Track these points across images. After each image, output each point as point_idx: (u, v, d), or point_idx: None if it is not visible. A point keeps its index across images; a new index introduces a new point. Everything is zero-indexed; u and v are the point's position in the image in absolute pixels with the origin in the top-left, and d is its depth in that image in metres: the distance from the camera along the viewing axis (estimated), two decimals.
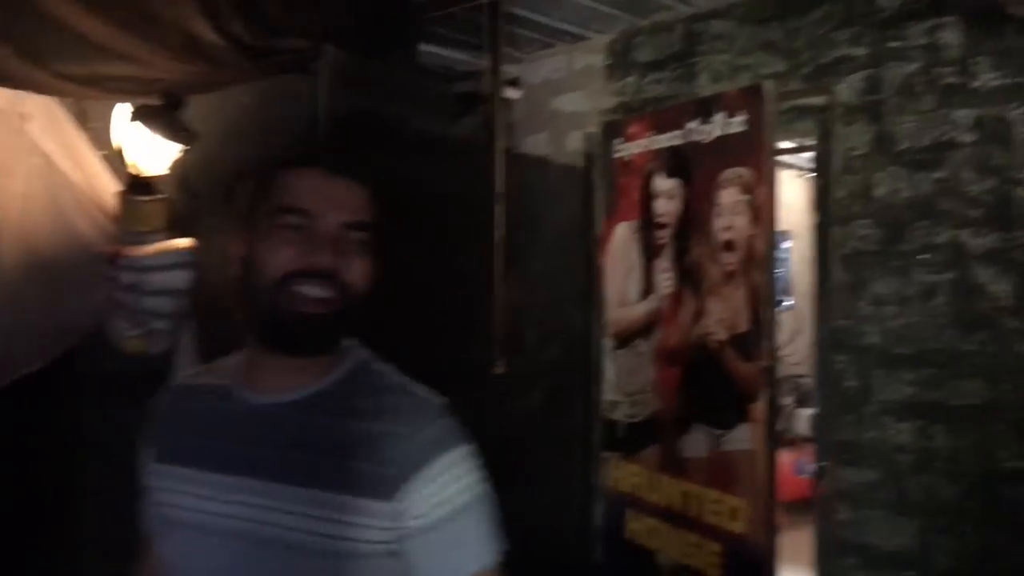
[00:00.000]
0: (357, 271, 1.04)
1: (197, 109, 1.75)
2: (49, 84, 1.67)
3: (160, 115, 1.62)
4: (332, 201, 1.04)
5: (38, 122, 1.74)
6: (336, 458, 1.02)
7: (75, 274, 1.73)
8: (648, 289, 2.42)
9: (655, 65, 2.80)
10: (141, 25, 1.67)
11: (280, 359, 1.05)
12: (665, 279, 2.37)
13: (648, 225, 2.42)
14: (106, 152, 1.79)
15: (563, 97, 3.07)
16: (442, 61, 3.08)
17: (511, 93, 2.92)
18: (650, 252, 2.42)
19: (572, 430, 2.69)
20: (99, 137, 1.80)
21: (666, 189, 2.39)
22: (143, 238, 1.61)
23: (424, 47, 2.88)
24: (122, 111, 1.69)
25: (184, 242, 1.60)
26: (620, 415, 2.49)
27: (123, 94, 1.73)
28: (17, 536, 1.82)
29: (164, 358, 1.67)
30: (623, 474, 2.46)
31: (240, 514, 1.04)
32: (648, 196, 2.41)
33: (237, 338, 1.58)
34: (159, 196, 1.66)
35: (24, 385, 1.74)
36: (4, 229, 1.71)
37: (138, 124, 1.62)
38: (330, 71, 1.96)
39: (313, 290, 1.01)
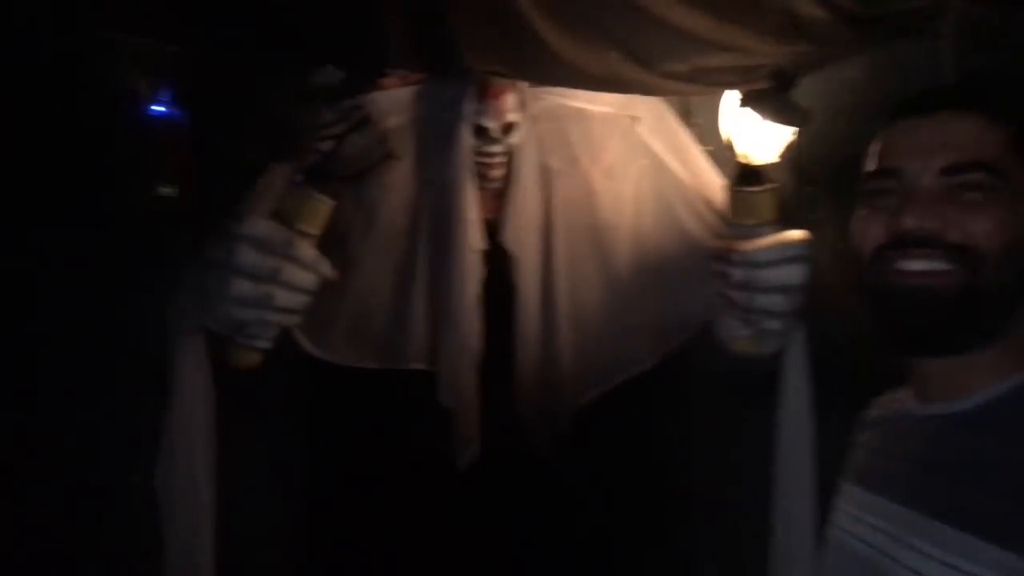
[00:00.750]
0: (974, 226, 0.80)
1: (801, 90, 1.60)
2: (655, 84, 1.68)
3: (771, 98, 1.50)
4: (923, 147, 0.84)
5: (646, 123, 1.77)
6: (982, 490, 0.78)
7: (684, 272, 1.73)
8: None
9: None
10: (742, 12, 1.59)
11: (929, 361, 0.87)
12: None
13: None
14: (711, 148, 1.75)
15: None
16: None
17: None
18: None
19: None
20: (703, 133, 1.77)
21: None
22: (754, 231, 1.50)
23: None
24: (729, 101, 1.62)
25: (798, 234, 1.46)
26: None
27: (724, 86, 1.67)
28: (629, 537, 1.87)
29: (775, 360, 1.54)
30: None
31: (869, 539, 0.90)
32: None
33: (850, 339, 1.39)
34: (769, 186, 1.54)
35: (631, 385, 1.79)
36: (619, 232, 1.78)
37: (747, 111, 1.52)
38: (955, 30, 1.67)
39: (910, 262, 0.82)
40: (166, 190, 1.52)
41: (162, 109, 1.50)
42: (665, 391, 1.83)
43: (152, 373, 1.49)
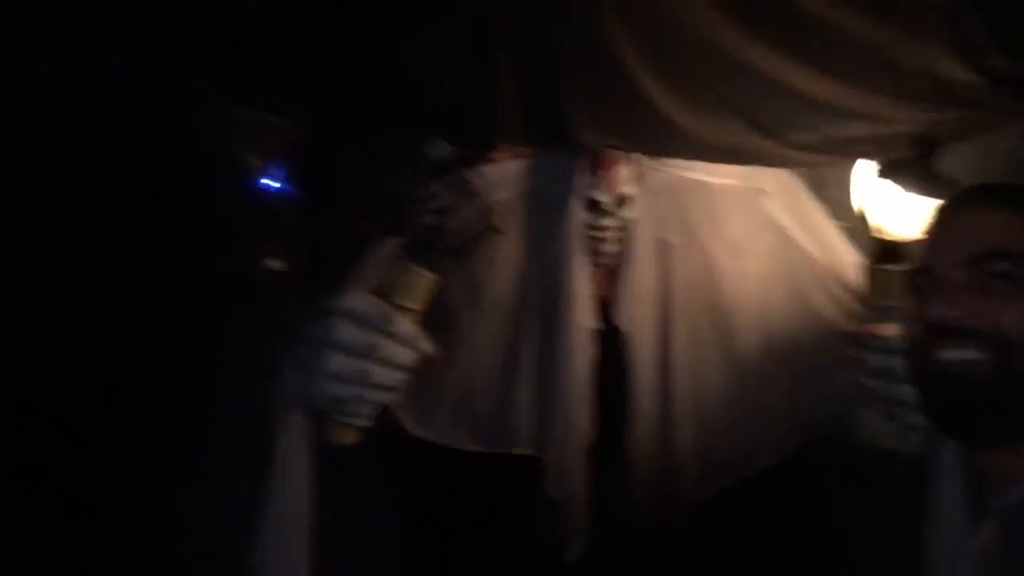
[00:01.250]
0: (1002, 315, 0.84)
1: (947, 159, 1.48)
2: (782, 155, 1.59)
3: (912, 169, 1.38)
4: (951, 239, 0.91)
5: (773, 196, 1.67)
6: None
7: (815, 358, 1.60)
8: None
9: None
10: (881, 79, 1.49)
11: (981, 454, 0.92)
12: None
13: None
14: (845, 223, 1.63)
15: None
16: None
17: None
18: None
19: None
20: (837, 206, 1.66)
21: None
22: (893, 314, 1.36)
23: None
24: (863, 172, 1.50)
25: None
26: None
27: (859, 156, 1.57)
28: None
29: (921, 459, 1.38)
30: None
31: None
32: None
33: None
34: (910, 264, 1.40)
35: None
36: (743, 312, 1.66)
37: (886, 182, 1.39)
38: None
39: (941, 352, 0.87)
40: (274, 262, 1.53)
41: (272, 182, 1.52)
42: (795, 489, 1.67)
43: (251, 447, 1.47)
